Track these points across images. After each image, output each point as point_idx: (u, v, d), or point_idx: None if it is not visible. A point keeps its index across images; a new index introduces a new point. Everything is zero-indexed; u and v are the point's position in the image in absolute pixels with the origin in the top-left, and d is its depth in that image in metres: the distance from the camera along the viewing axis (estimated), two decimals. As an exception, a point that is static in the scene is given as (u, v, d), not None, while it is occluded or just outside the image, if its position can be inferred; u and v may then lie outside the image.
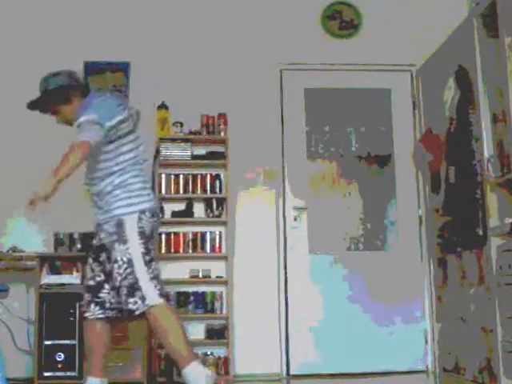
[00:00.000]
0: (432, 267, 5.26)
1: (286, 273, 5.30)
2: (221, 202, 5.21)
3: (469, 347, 4.56)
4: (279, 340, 5.22)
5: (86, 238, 4.96)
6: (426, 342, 5.30)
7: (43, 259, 4.86)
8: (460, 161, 4.70)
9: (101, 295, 3.49)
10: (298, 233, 5.36)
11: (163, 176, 5.20)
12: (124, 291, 3.36)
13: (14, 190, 5.24)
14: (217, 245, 5.16)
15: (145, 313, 3.38)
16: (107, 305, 3.49)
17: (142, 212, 3.45)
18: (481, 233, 4.33)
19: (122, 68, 5.42)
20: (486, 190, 4.23)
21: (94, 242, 3.58)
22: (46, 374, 4.71)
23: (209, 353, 5.02)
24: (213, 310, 5.09)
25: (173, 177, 5.21)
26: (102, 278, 3.50)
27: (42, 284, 4.78)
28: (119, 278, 3.38)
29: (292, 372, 5.20)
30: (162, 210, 5.16)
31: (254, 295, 5.22)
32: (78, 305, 4.78)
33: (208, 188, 5.21)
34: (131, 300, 3.35)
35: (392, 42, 5.51)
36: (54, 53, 5.34)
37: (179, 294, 5.10)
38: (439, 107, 5.04)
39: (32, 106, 3.70)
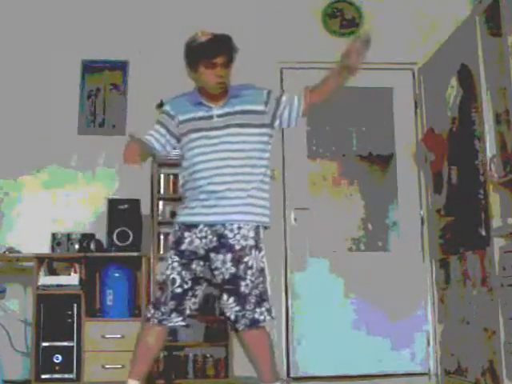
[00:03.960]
0: (434, 268, 5.22)
1: (286, 274, 5.26)
2: (220, 202, 5.15)
3: (471, 349, 4.52)
4: (279, 342, 5.17)
5: (84, 238, 4.94)
6: (428, 343, 5.25)
7: (40, 260, 4.81)
8: (462, 160, 4.66)
9: (184, 303, 3.28)
10: (299, 233, 5.32)
11: (162, 176, 5.16)
12: (253, 300, 3.20)
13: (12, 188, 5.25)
14: (216, 245, 5.10)
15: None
16: (187, 312, 3.31)
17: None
18: (483, 233, 4.29)
19: (121, 66, 5.39)
20: (488, 190, 4.19)
21: (190, 247, 3.25)
22: (43, 376, 4.68)
23: (208, 355, 4.98)
24: (212, 312, 5.03)
25: (172, 177, 5.17)
26: (189, 285, 3.26)
27: (39, 285, 4.74)
28: (250, 286, 3.20)
29: (292, 374, 5.16)
30: (162, 210, 5.17)
31: (253, 296, 5.18)
32: (75, 306, 4.76)
33: (207, 188, 5.15)
34: (258, 310, 3.22)
35: (394, 41, 5.46)
36: (52, 51, 5.33)
37: (178, 295, 5.06)
38: (441, 106, 5.00)
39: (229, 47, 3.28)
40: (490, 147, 4.17)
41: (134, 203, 5.01)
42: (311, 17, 5.58)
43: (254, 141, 3.27)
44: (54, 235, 4.99)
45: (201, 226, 3.24)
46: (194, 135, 3.28)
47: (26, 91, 5.29)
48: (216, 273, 3.22)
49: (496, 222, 4.11)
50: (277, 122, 3.32)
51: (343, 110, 5.59)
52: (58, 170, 5.27)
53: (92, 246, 4.90)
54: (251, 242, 3.21)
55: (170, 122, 3.37)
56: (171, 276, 3.25)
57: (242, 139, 3.25)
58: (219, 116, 3.27)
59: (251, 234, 3.22)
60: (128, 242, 4.88)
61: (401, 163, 5.51)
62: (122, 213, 4.95)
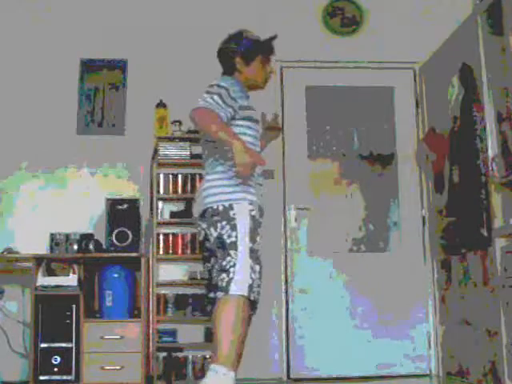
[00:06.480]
0: (435, 269, 5.20)
1: (286, 274, 5.23)
2: (220, 202, 5.13)
3: (473, 350, 4.49)
4: (280, 343, 5.15)
5: (83, 239, 4.91)
6: (430, 344, 5.22)
7: (39, 260, 4.78)
8: (464, 160, 4.63)
9: None
10: (299, 234, 5.29)
11: (161, 176, 5.14)
12: None
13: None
14: (216, 246, 5.08)
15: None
16: None
17: None
18: (485, 234, 4.27)
19: (120, 66, 5.36)
20: (490, 190, 4.17)
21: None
22: (41, 378, 4.65)
23: (208, 356, 4.95)
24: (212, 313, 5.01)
25: (171, 176, 5.15)
26: None
27: (37, 286, 4.71)
28: None
29: (292, 376, 5.13)
30: (162, 210, 5.17)
31: (253, 297, 5.15)
32: (74, 307, 4.74)
33: (207, 188, 5.13)
34: None
35: (395, 39, 5.44)
36: (51, 50, 5.31)
37: (178, 296, 5.04)
38: (443, 105, 4.97)
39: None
40: (491, 147, 4.15)
41: (134, 203, 4.98)
42: (311, 15, 5.55)
43: None
44: (52, 235, 4.96)
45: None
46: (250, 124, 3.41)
47: (24, 91, 5.26)
48: None
49: (498, 223, 4.09)
50: None
51: (344, 109, 5.58)
52: (56, 170, 5.25)
53: (91, 247, 4.87)
54: None
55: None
56: (261, 264, 3.18)
57: None
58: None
59: None
60: (127, 243, 4.86)
61: (402, 163, 5.48)
62: (121, 213, 4.92)
